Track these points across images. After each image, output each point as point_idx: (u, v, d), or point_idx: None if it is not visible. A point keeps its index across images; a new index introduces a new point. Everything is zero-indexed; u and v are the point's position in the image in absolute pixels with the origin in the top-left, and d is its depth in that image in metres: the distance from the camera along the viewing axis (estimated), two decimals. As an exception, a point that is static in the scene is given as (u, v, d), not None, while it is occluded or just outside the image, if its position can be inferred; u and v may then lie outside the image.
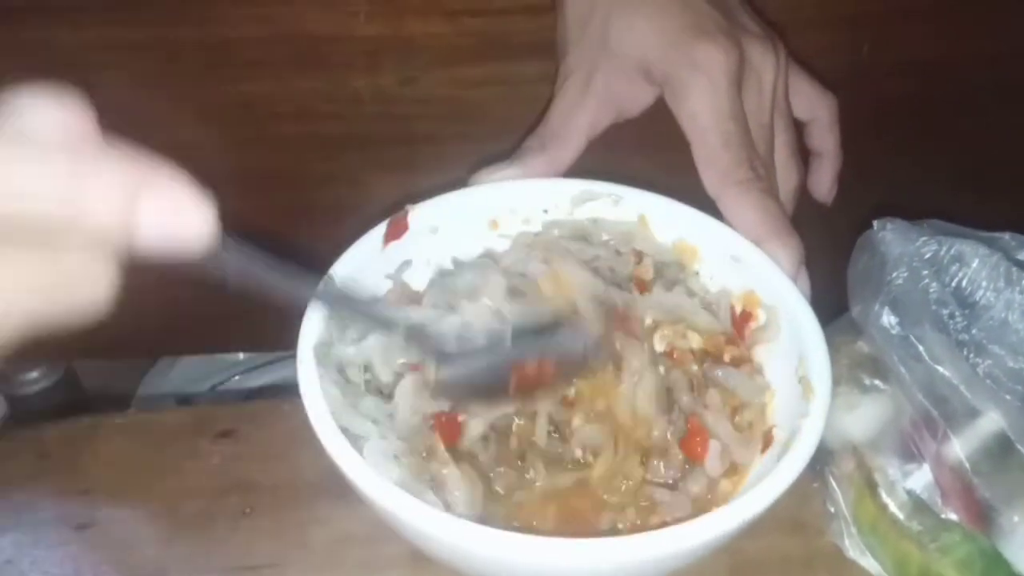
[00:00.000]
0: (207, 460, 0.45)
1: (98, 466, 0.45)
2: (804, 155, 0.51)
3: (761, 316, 0.41)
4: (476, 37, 0.63)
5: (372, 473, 0.32)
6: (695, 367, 0.39)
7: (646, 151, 0.50)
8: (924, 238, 0.38)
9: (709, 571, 0.39)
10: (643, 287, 0.43)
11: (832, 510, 0.40)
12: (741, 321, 0.41)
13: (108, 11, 0.58)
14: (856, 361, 0.41)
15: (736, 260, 0.42)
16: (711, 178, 0.42)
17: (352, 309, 0.36)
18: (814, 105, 0.50)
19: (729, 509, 0.31)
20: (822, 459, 0.41)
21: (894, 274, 0.37)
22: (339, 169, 0.69)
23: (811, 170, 0.52)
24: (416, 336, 0.36)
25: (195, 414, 0.47)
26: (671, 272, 0.43)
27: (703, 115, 0.42)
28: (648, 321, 0.40)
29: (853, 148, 0.53)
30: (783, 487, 0.32)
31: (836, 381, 0.40)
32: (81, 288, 0.24)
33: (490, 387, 0.35)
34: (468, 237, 0.44)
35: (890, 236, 0.39)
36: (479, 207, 0.44)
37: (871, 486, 0.38)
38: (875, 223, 0.40)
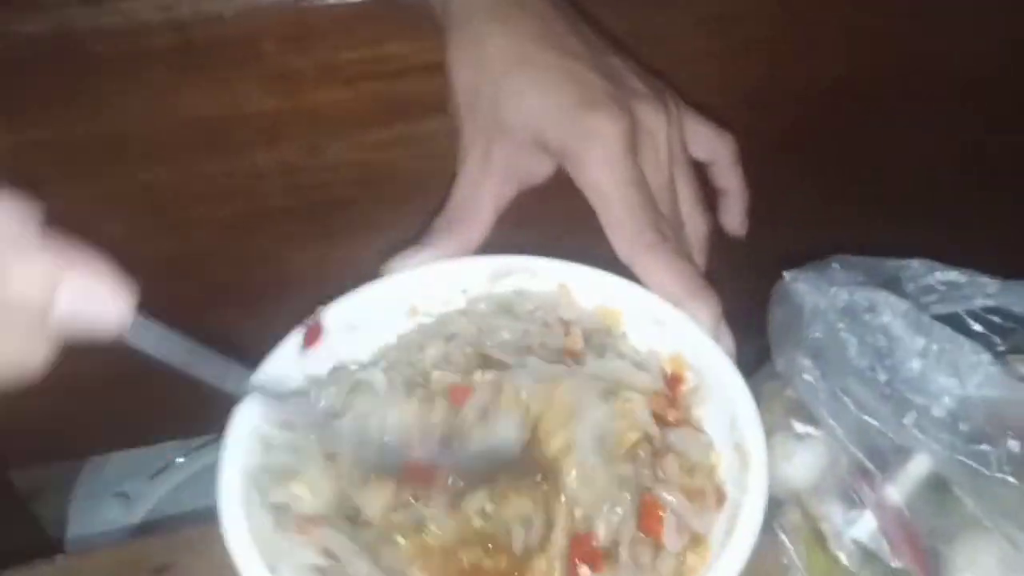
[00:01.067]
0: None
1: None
2: (712, 197, 0.52)
3: (691, 379, 0.41)
4: (376, 100, 0.63)
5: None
6: (655, 430, 0.39)
7: (558, 220, 0.50)
8: (835, 288, 0.38)
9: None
10: (574, 357, 0.42)
11: (786, 562, 0.40)
12: (672, 383, 0.41)
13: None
14: (787, 408, 0.42)
15: (659, 323, 0.42)
16: (620, 245, 0.42)
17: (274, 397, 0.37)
18: (714, 146, 0.51)
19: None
20: (770, 511, 0.41)
21: (811, 328, 0.38)
22: (251, 248, 0.68)
23: (721, 209, 0.53)
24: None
25: (130, 551, 0.45)
26: (599, 338, 0.43)
27: (603, 185, 0.42)
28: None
29: (760, 182, 0.54)
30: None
31: (770, 431, 0.40)
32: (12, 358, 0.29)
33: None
34: (388, 329, 0.43)
35: (803, 287, 0.39)
36: (395, 296, 0.43)
37: (819, 538, 0.38)
38: (785, 274, 0.41)
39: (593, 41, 0.48)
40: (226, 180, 0.65)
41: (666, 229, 0.43)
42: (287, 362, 0.40)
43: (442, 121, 0.54)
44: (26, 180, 0.55)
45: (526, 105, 0.45)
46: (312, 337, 0.40)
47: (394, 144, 0.65)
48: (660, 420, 0.40)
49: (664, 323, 0.42)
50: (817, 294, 0.38)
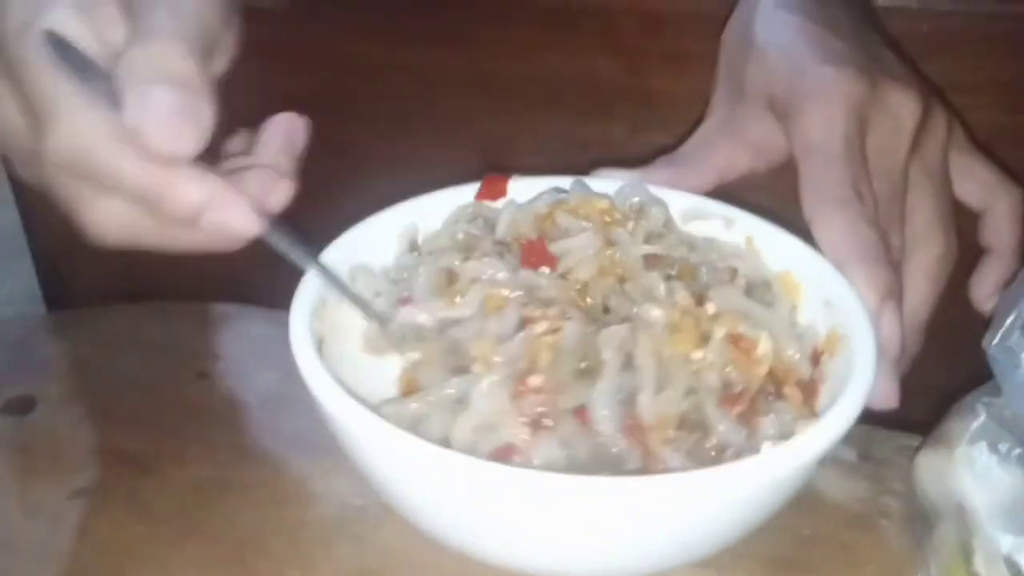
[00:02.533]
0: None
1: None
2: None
3: (835, 352, 0.35)
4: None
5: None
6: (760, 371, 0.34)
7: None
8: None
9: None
10: None
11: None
12: (815, 358, 0.36)
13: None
14: (999, 424, 0.32)
15: (828, 304, 0.37)
16: (807, 197, 0.38)
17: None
18: (990, 193, 0.44)
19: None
20: (925, 523, 0.32)
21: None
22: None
23: (975, 270, 0.45)
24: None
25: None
26: (758, 294, 0.38)
27: (813, 135, 0.39)
28: (712, 310, 0.35)
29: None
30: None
31: (964, 439, 0.33)
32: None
33: None
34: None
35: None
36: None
37: (967, 553, 0.28)
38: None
39: (868, 31, 0.45)
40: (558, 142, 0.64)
41: (865, 194, 0.37)
42: (458, 202, 0.41)
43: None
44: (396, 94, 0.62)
45: (766, 64, 0.43)
46: (492, 193, 0.41)
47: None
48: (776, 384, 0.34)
49: (832, 304, 0.36)
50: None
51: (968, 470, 0.31)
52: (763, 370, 0.34)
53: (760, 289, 0.39)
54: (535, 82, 0.63)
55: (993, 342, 0.30)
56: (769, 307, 0.37)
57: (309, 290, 0.35)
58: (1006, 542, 0.28)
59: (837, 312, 0.36)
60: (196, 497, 0.37)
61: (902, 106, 0.40)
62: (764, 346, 0.34)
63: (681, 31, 0.59)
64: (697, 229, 0.42)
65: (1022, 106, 0.56)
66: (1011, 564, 0.27)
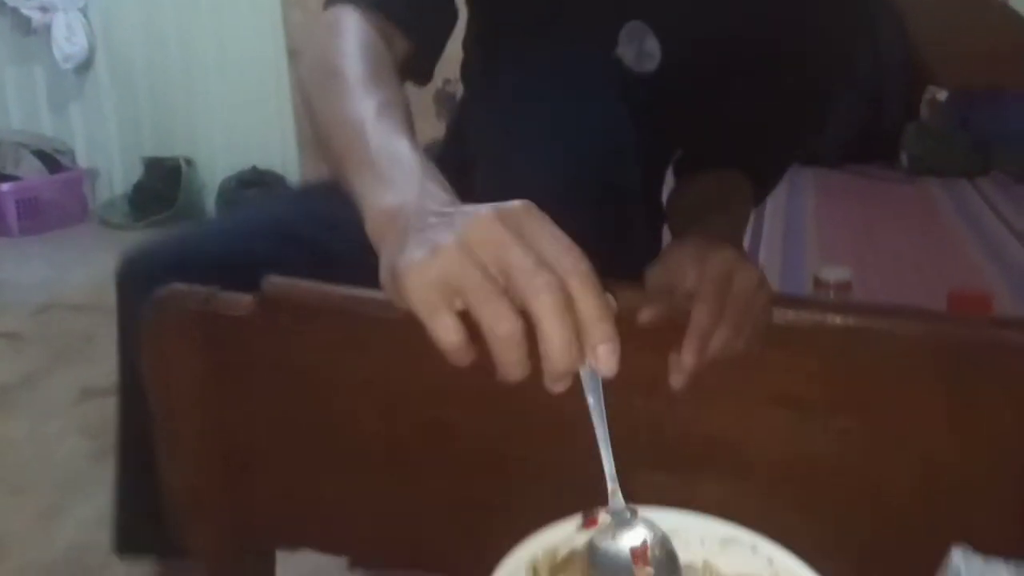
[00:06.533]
0: None
1: None
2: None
3: None
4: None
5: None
6: None
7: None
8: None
9: None
10: None
11: None
12: None
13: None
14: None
15: None
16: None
17: None
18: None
19: None
20: None
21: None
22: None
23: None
24: None
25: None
26: None
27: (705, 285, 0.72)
28: None
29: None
30: None
31: None
32: None
33: None
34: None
35: (964, 568, 0.48)
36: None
37: None
38: (952, 552, 0.48)
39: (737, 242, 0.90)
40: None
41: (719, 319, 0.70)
42: (567, 531, 0.58)
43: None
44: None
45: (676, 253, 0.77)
46: (589, 524, 0.58)
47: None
48: None
49: None
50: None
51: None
52: None
53: None
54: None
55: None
56: None
57: None
58: None
59: None
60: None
61: (754, 273, 0.72)
62: None
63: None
64: (729, 554, 0.59)
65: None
66: None
